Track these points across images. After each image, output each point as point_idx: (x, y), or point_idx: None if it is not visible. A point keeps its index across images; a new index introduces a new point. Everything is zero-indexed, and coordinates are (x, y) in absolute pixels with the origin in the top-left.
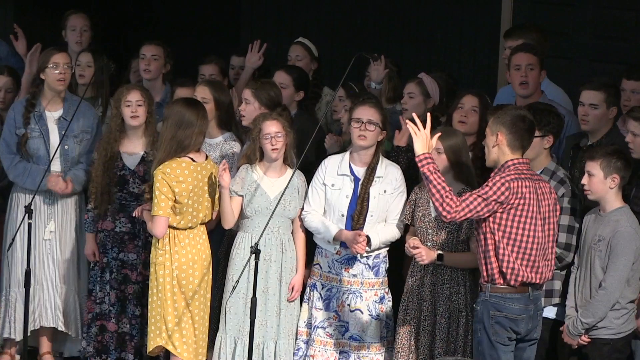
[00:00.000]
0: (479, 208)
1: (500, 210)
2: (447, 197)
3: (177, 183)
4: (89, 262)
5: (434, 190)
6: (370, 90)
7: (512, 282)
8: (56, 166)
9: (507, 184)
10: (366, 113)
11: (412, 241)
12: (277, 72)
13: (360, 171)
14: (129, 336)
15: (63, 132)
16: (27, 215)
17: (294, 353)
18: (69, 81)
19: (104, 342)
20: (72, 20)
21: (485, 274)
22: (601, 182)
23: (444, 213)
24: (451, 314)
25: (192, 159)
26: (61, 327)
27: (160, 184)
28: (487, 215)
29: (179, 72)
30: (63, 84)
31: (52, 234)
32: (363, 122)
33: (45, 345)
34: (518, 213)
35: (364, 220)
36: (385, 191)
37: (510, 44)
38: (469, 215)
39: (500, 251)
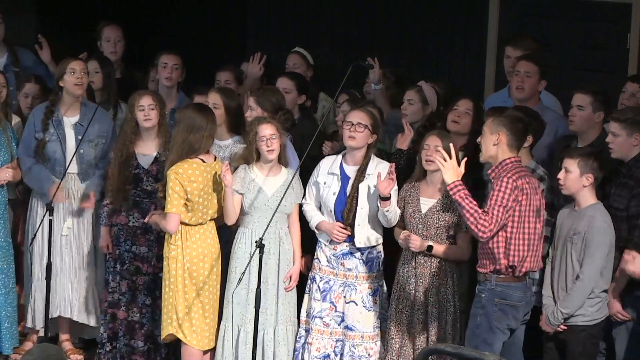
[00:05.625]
0: (503, 217)
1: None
2: (480, 219)
3: (189, 182)
4: (105, 254)
5: (467, 215)
6: (370, 93)
7: (518, 274)
8: (73, 168)
9: (514, 184)
10: (356, 116)
11: (405, 232)
12: (280, 79)
13: (351, 170)
14: (139, 324)
15: (80, 137)
16: (47, 212)
17: (296, 340)
18: (85, 86)
19: (114, 329)
20: (106, 32)
21: (492, 266)
22: (576, 179)
23: (480, 234)
24: (441, 304)
25: (202, 160)
26: (76, 318)
27: (174, 184)
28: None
29: (190, 80)
30: (80, 88)
31: (69, 230)
32: (353, 124)
33: (64, 333)
34: (523, 208)
35: (354, 216)
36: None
37: (510, 52)
38: (499, 226)
39: (512, 247)
